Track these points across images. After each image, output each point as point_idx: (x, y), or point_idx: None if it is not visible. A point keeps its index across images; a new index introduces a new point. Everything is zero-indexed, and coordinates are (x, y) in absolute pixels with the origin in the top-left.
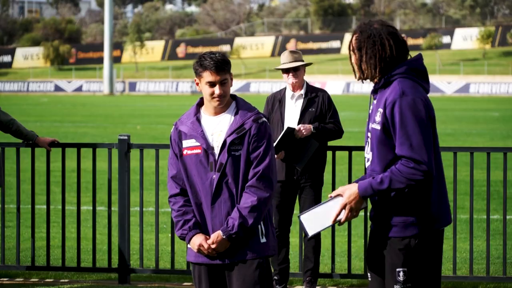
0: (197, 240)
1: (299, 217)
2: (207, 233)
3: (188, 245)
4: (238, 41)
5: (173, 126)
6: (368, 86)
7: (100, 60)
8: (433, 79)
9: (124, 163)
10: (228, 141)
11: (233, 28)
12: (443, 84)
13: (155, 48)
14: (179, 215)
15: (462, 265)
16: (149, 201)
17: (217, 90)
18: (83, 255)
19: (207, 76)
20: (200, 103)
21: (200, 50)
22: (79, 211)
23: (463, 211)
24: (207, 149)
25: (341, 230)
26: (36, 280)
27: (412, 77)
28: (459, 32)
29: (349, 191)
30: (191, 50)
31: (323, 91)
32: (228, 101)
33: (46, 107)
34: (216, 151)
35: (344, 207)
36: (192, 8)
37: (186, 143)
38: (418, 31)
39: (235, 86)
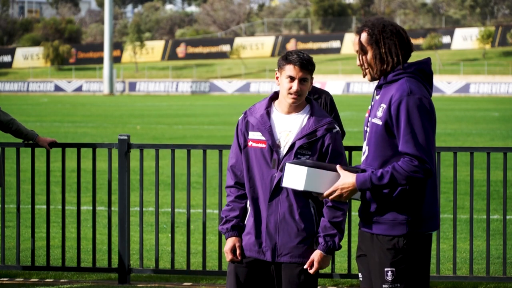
0: (229, 243)
1: (306, 166)
2: (259, 227)
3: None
4: (238, 41)
5: (242, 115)
6: (368, 87)
7: (100, 60)
8: (433, 79)
9: (124, 163)
10: (297, 144)
11: (233, 28)
12: (443, 84)
13: (155, 48)
14: (226, 210)
15: (462, 265)
16: (149, 201)
17: (295, 85)
18: (83, 255)
19: (289, 70)
20: (274, 97)
21: (200, 50)
22: (79, 211)
23: (463, 211)
24: (272, 146)
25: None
26: (36, 280)
27: (419, 78)
28: (459, 32)
29: (346, 179)
30: (191, 50)
31: (326, 93)
32: (302, 103)
33: (46, 107)
34: (282, 149)
35: (335, 191)
36: (192, 8)
37: (252, 134)
38: (418, 31)
39: (235, 86)
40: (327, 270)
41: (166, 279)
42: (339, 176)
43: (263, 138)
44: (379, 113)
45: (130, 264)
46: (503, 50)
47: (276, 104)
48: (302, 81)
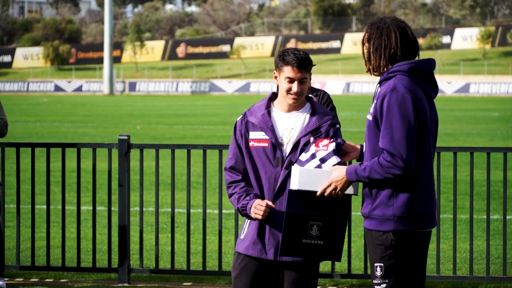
0: (255, 202)
1: (299, 166)
2: (263, 226)
3: (241, 236)
4: (238, 41)
5: (241, 116)
6: (368, 87)
7: (100, 60)
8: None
9: (124, 163)
10: (303, 141)
11: (233, 28)
12: (443, 84)
13: (155, 48)
14: (241, 192)
15: (462, 265)
16: (149, 201)
17: (294, 87)
18: (83, 255)
19: (288, 71)
20: (273, 97)
21: (200, 50)
22: (79, 211)
23: (463, 211)
24: (276, 144)
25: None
26: (36, 280)
27: (414, 77)
28: (459, 32)
29: (338, 171)
30: (191, 50)
31: (323, 91)
32: (302, 101)
33: (46, 107)
34: (285, 147)
35: (330, 185)
36: (192, 8)
37: (253, 134)
38: (418, 31)
39: (235, 86)
40: (327, 270)
41: (166, 279)
42: (331, 173)
43: (265, 137)
44: (371, 109)
45: (130, 264)
46: (503, 50)
47: (276, 104)
48: (301, 81)
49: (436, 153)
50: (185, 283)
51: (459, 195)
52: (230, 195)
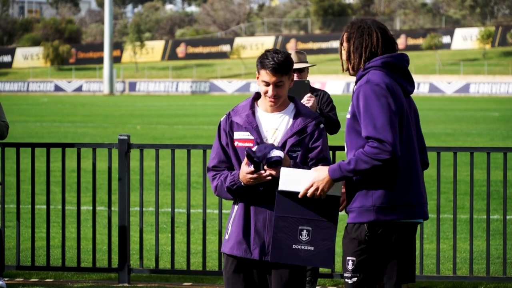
0: (241, 170)
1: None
2: (248, 226)
3: (226, 236)
4: (238, 41)
5: (225, 116)
6: None
7: (100, 60)
8: (433, 79)
9: (124, 163)
10: (289, 142)
11: (233, 28)
12: (443, 84)
13: (155, 48)
14: (225, 173)
15: (462, 265)
16: (149, 201)
17: (270, 91)
18: (83, 255)
19: (263, 75)
20: (256, 97)
21: (200, 50)
22: (79, 211)
23: (463, 211)
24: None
25: (341, 230)
26: (36, 280)
27: (388, 71)
28: (459, 32)
29: (321, 172)
30: (191, 50)
31: (323, 91)
32: (285, 101)
33: (46, 107)
34: None
35: (312, 185)
36: (192, 8)
37: (238, 134)
38: (418, 31)
39: (235, 86)
40: (327, 270)
41: (166, 279)
42: (313, 173)
43: (250, 137)
44: (349, 108)
45: (130, 264)
46: (503, 50)
47: (260, 104)
48: (276, 85)
49: (436, 153)
50: (185, 283)
51: (459, 195)
52: (215, 187)
